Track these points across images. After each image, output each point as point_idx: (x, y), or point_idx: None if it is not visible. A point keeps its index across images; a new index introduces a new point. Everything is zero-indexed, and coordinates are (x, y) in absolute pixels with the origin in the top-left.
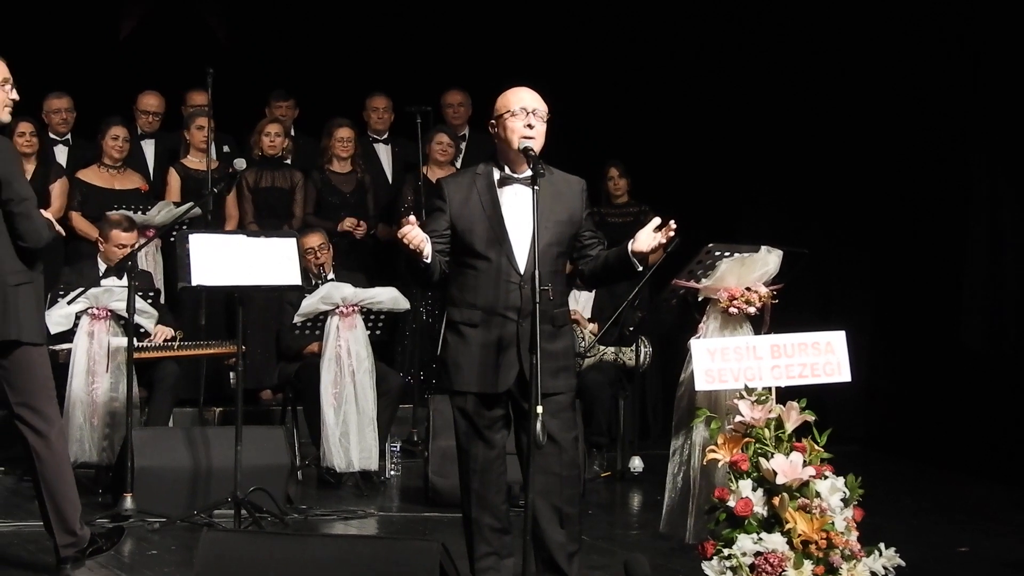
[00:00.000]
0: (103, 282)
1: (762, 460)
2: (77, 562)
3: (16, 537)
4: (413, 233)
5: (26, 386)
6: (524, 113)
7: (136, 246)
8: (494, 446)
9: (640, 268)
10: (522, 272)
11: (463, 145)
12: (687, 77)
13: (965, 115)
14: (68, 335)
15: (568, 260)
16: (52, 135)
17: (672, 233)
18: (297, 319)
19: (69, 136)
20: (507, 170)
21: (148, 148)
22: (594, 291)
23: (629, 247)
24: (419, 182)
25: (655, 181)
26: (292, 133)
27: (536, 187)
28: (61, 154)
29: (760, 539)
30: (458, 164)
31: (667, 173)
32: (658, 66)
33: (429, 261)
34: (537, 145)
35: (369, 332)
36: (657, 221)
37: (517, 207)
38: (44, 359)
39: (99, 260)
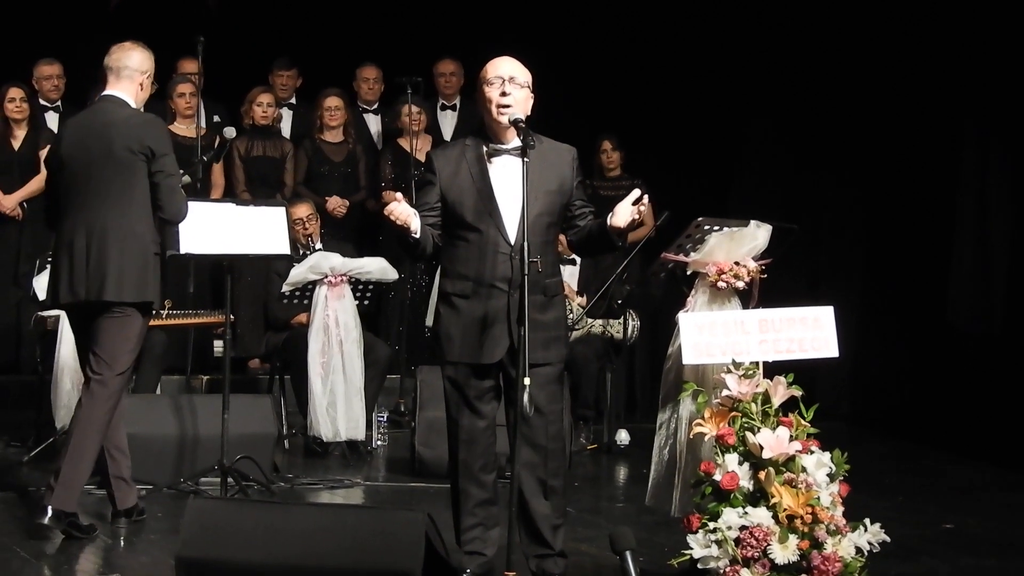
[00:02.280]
0: None
1: (748, 434)
2: (58, 521)
3: (3, 503)
4: (400, 209)
5: (105, 342)
6: (500, 81)
7: None
8: (483, 417)
9: (619, 244)
10: (512, 243)
11: (453, 115)
12: (680, 51)
13: (956, 95)
14: None
15: (559, 229)
16: (43, 101)
17: (643, 207)
18: (285, 288)
19: (60, 103)
20: (495, 141)
21: None
22: (579, 265)
23: (608, 221)
24: (398, 154)
25: (648, 155)
26: (294, 101)
27: (526, 159)
28: (52, 120)
29: (746, 513)
30: (447, 134)
31: (660, 147)
32: (652, 39)
33: (418, 236)
34: (518, 111)
35: (357, 302)
36: (636, 194)
37: (507, 178)
38: (145, 327)
39: None
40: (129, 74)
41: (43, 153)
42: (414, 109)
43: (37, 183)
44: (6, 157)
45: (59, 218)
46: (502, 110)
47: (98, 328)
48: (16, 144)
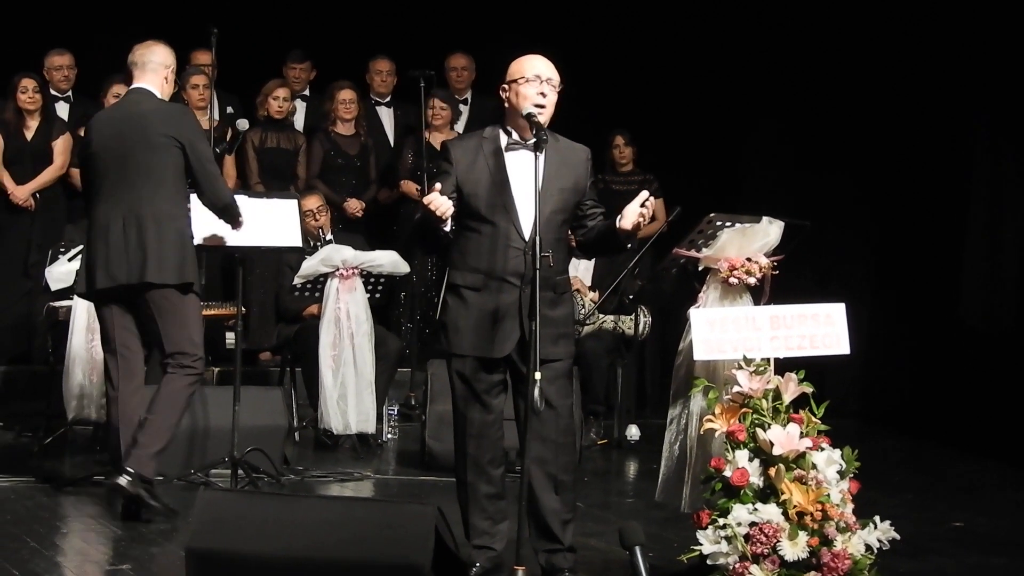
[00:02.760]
0: None
1: (759, 431)
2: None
3: (14, 492)
4: (441, 200)
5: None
6: (538, 81)
7: None
8: (491, 411)
9: (628, 245)
10: (527, 238)
11: (464, 109)
12: (692, 46)
13: (968, 92)
14: (68, 292)
15: (569, 228)
16: (53, 92)
17: (649, 208)
18: (297, 281)
19: (70, 93)
20: (515, 135)
21: None
22: (594, 259)
23: (616, 223)
24: (420, 146)
25: (660, 150)
26: (307, 94)
27: (538, 154)
28: (62, 111)
29: (755, 509)
30: (459, 128)
31: (672, 142)
32: (663, 34)
33: (448, 228)
34: (547, 114)
35: (368, 295)
36: (643, 196)
37: (523, 173)
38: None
39: None
40: (154, 68)
41: (56, 144)
42: (439, 103)
43: (50, 173)
44: (19, 147)
45: (92, 207)
46: (539, 109)
47: (152, 317)
48: (29, 134)
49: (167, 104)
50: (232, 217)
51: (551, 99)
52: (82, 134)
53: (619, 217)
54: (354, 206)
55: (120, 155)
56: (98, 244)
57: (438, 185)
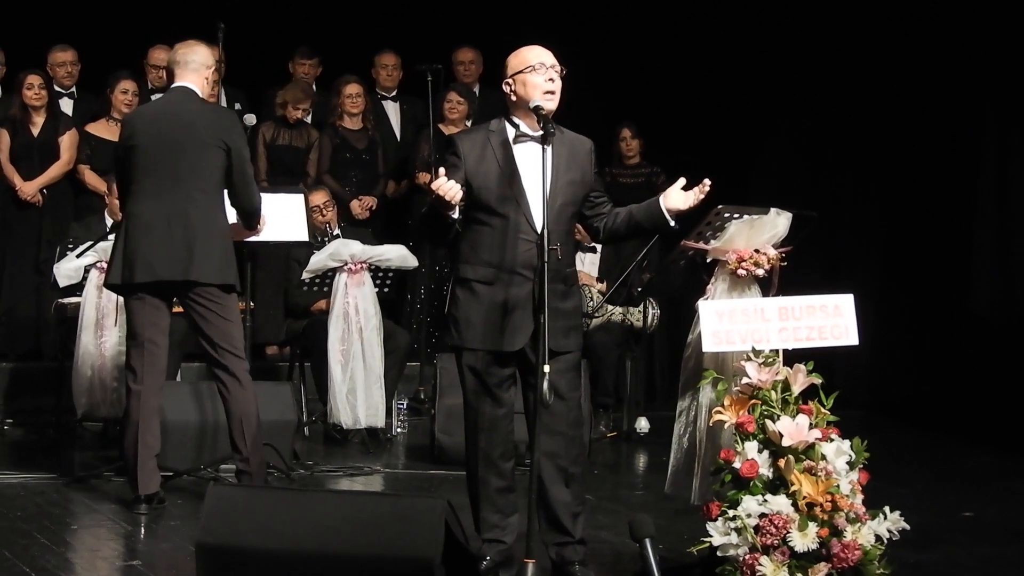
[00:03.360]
0: (111, 236)
1: (768, 422)
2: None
3: (23, 489)
4: (449, 184)
5: (221, 331)
6: (544, 68)
7: None
8: (502, 404)
9: (674, 224)
10: (538, 230)
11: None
12: (699, 38)
13: (975, 82)
14: (77, 288)
15: (576, 220)
16: (57, 88)
17: (707, 189)
18: (305, 276)
19: (74, 89)
20: (522, 127)
21: None
22: (600, 252)
23: (661, 203)
24: (435, 139)
25: (667, 142)
26: (314, 89)
27: (546, 146)
28: (66, 107)
29: (765, 501)
30: (469, 123)
31: (679, 134)
32: (671, 26)
33: (457, 216)
34: (556, 101)
35: (377, 289)
36: (683, 182)
37: (532, 165)
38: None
39: (106, 214)
40: (195, 67)
41: (63, 139)
42: (456, 97)
43: (57, 169)
44: (25, 143)
45: (132, 202)
46: (549, 96)
47: (195, 316)
48: (35, 131)
49: (216, 107)
50: (255, 222)
51: (559, 85)
52: (120, 128)
53: (662, 196)
54: (357, 209)
55: (167, 153)
56: (139, 238)
57: (443, 169)
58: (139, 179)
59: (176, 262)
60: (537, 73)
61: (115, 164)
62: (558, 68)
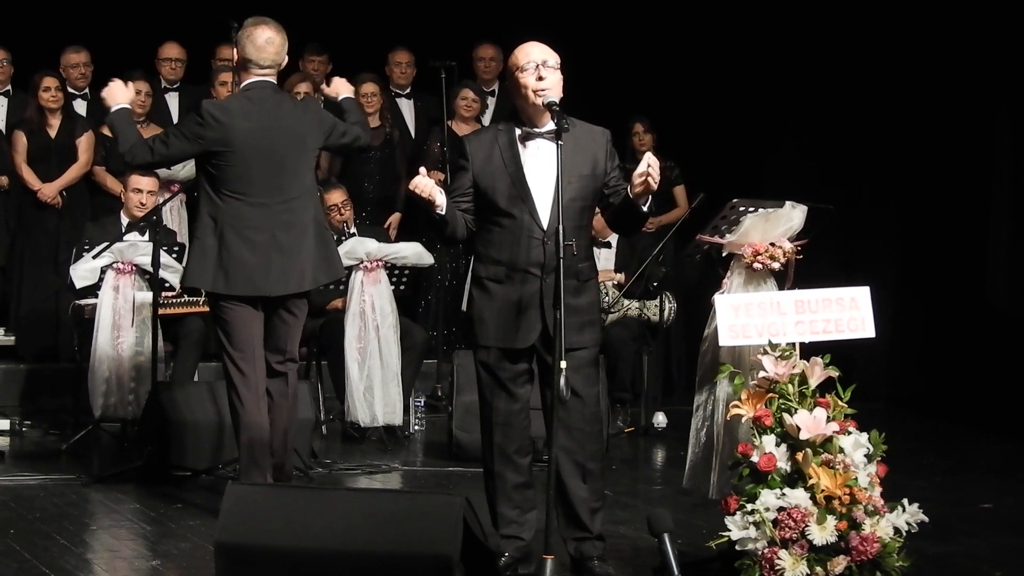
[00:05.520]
0: (127, 237)
1: (786, 416)
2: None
3: (43, 490)
4: (424, 183)
5: (292, 336)
6: (533, 66)
7: (161, 201)
8: (517, 400)
9: (644, 211)
10: (545, 228)
11: (490, 100)
12: (711, 31)
13: (990, 74)
14: (94, 290)
15: (593, 213)
16: (70, 89)
17: (654, 164)
18: None
19: (87, 90)
20: (528, 125)
21: (172, 101)
22: (615, 248)
23: (628, 192)
24: (444, 136)
25: (680, 137)
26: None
27: (560, 142)
28: (80, 108)
29: (783, 494)
30: (486, 120)
31: (692, 128)
32: (683, 20)
33: (443, 212)
34: (554, 94)
35: (393, 287)
36: (648, 157)
37: (539, 162)
38: None
39: (121, 215)
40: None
41: (80, 141)
42: (471, 95)
43: (75, 171)
44: (43, 145)
45: (224, 207)
46: (540, 94)
47: (278, 323)
48: (52, 132)
49: (305, 104)
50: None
51: (551, 79)
52: (197, 126)
53: (627, 185)
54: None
55: (267, 163)
56: (240, 249)
57: (422, 169)
58: (233, 181)
59: (291, 277)
60: (527, 73)
61: (197, 159)
62: (552, 62)
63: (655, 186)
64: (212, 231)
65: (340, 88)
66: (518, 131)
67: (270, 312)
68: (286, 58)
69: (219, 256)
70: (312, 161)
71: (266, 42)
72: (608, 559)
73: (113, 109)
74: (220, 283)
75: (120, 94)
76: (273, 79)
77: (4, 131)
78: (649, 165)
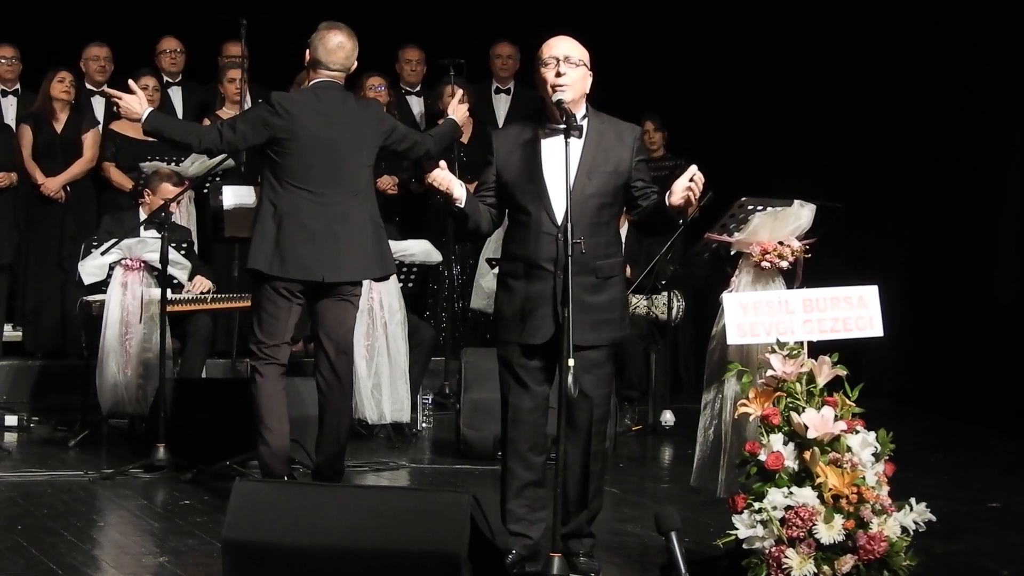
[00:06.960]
0: (143, 232)
1: (793, 414)
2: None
3: (50, 486)
4: (442, 176)
5: (344, 329)
6: (554, 62)
7: (171, 198)
8: (532, 397)
9: (680, 221)
10: (559, 223)
11: (507, 98)
12: (722, 29)
13: (1000, 70)
14: (102, 286)
15: (618, 211)
16: (88, 85)
17: (698, 180)
18: None
19: (106, 86)
20: (551, 122)
21: (176, 96)
22: (624, 242)
23: (666, 200)
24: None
25: (691, 134)
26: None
27: (568, 140)
28: (98, 104)
29: (791, 493)
30: (501, 117)
31: (701, 127)
32: (693, 19)
33: (462, 206)
34: (573, 91)
35: (401, 284)
36: (692, 170)
37: (556, 158)
38: None
39: (141, 211)
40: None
41: (86, 137)
42: (459, 91)
43: (80, 166)
44: (49, 140)
45: (285, 196)
46: (556, 90)
47: (331, 314)
48: (59, 127)
49: (368, 105)
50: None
51: (571, 76)
52: (267, 113)
53: (668, 193)
54: (385, 182)
55: (328, 158)
56: (294, 234)
57: (442, 162)
58: (295, 172)
59: (344, 264)
60: (547, 69)
61: (261, 149)
62: (574, 58)
63: (695, 202)
64: (272, 217)
65: (455, 109)
66: (540, 128)
67: (324, 300)
68: (355, 63)
69: (276, 241)
70: (370, 160)
71: (337, 46)
72: (596, 556)
73: (144, 118)
74: (276, 266)
75: (136, 104)
76: (340, 81)
77: (14, 128)
78: (692, 179)
